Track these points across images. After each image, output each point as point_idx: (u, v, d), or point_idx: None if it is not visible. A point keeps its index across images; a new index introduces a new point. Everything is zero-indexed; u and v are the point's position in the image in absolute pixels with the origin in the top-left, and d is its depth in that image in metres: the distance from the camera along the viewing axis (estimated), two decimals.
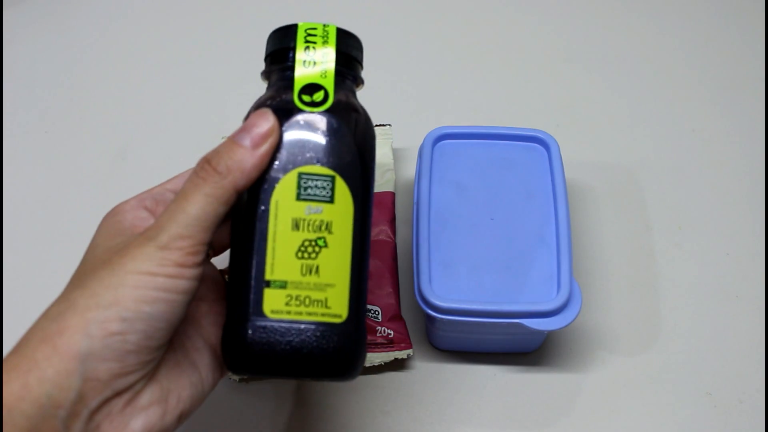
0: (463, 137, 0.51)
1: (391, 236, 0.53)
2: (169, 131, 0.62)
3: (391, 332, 0.48)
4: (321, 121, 0.33)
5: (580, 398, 0.48)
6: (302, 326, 0.32)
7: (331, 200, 0.33)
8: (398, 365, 0.49)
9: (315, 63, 0.34)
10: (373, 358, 0.48)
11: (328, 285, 0.33)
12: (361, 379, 0.49)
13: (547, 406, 0.48)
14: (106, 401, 0.30)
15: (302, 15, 0.65)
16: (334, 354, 0.32)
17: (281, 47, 0.35)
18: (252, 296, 0.32)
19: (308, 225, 0.33)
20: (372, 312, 0.49)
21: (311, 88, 0.34)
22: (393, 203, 0.54)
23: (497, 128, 0.51)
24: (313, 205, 0.33)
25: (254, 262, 0.32)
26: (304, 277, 0.32)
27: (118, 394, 0.31)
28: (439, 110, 0.62)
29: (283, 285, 0.32)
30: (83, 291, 0.30)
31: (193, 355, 0.34)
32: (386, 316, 0.49)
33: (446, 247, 0.47)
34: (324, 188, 0.33)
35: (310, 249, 0.33)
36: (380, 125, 0.57)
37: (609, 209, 0.57)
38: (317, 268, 0.33)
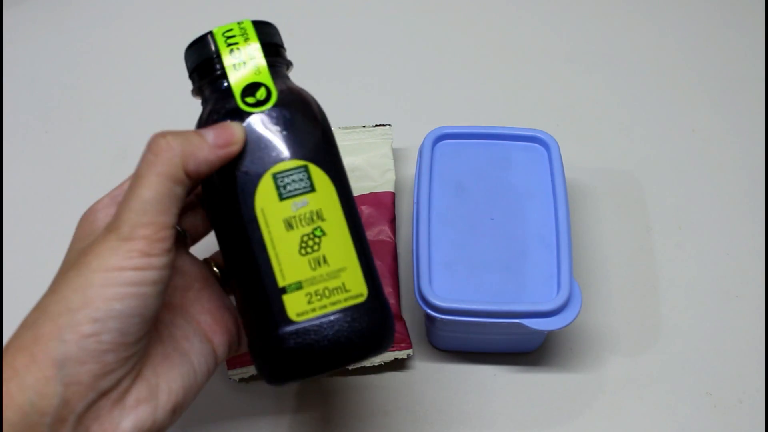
0: (463, 137, 0.51)
1: (391, 236, 0.53)
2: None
3: None
4: (274, 118, 0.33)
5: (580, 398, 0.48)
6: (332, 318, 0.32)
7: (313, 189, 0.33)
8: (398, 365, 0.49)
9: (245, 63, 0.33)
10: (373, 358, 0.48)
11: (340, 270, 0.33)
12: (361, 379, 0.49)
13: (547, 406, 0.48)
14: (93, 403, 0.30)
15: (300, 16, 0.65)
16: (369, 332, 0.33)
17: (204, 58, 0.34)
18: (273, 307, 0.32)
19: (300, 221, 0.32)
20: None
21: (251, 88, 0.33)
22: (393, 203, 0.54)
23: (497, 128, 0.51)
24: (298, 199, 0.32)
25: (262, 274, 0.32)
26: (315, 271, 0.32)
27: (103, 394, 0.30)
28: (439, 110, 0.62)
29: (299, 286, 0.32)
30: (53, 296, 0.30)
31: (183, 345, 0.34)
32: None
33: (446, 247, 0.47)
34: (302, 180, 0.33)
35: (310, 242, 0.32)
36: (380, 125, 0.57)
37: (609, 209, 0.57)
38: (324, 257, 0.32)
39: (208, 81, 0.34)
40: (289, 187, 0.32)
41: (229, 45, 0.33)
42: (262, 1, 0.69)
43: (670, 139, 0.61)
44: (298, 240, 0.32)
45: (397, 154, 0.58)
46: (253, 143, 0.33)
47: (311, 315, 0.32)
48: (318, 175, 0.33)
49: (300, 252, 0.32)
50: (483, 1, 0.70)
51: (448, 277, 0.45)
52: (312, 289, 0.32)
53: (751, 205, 0.57)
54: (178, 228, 0.36)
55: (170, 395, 0.32)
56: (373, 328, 0.33)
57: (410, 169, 0.58)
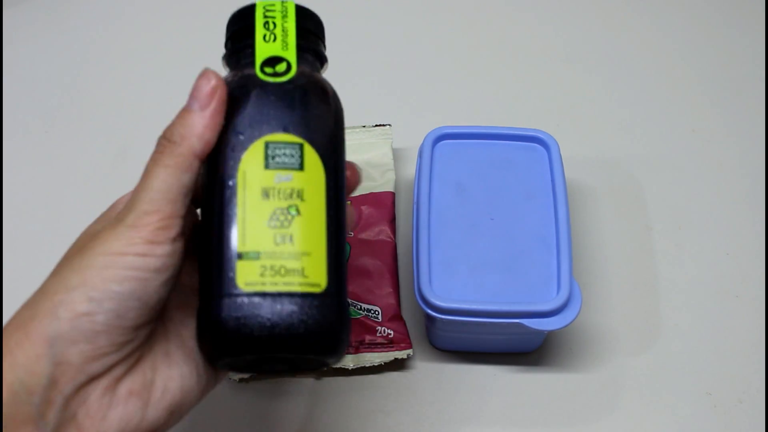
0: (463, 137, 0.51)
1: (391, 236, 0.53)
2: None
3: (391, 332, 0.48)
4: (285, 90, 0.33)
5: (580, 398, 0.48)
6: (279, 297, 0.31)
7: (301, 167, 0.32)
8: (398, 365, 0.49)
9: (275, 37, 0.33)
10: (373, 358, 0.48)
11: (303, 253, 0.31)
12: (361, 379, 0.49)
13: (547, 406, 0.48)
14: (81, 387, 0.30)
15: None
16: (315, 326, 0.31)
17: (240, 27, 0.34)
18: (225, 271, 0.31)
19: (278, 193, 0.32)
20: (372, 312, 0.49)
21: (273, 60, 0.33)
22: (393, 203, 0.54)
23: (497, 128, 0.51)
24: (282, 173, 0.32)
25: (225, 236, 0.31)
26: (278, 247, 0.31)
27: (93, 379, 0.30)
28: (439, 110, 0.62)
29: (256, 256, 0.31)
30: (54, 277, 0.30)
31: (190, 345, 0.33)
32: (386, 316, 0.49)
33: (446, 247, 0.47)
34: (292, 156, 0.32)
35: (282, 217, 0.31)
36: (380, 125, 0.57)
37: (609, 209, 0.57)
38: (291, 236, 0.31)
39: (237, 48, 0.35)
40: (277, 159, 0.32)
41: (266, 17, 0.34)
42: None
43: (670, 139, 0.61)
44: (270, 211, 0.31)
45: (397, 154, 0.58)
46: (256, 109, 0.32)
47: (259, 288, 0.31)
48: (311, 156, 0.32)
49: (269, 223, 0.31)
50: (483, 1, 0.70)
51: (448, 277, 0.45)
52: (268, 263, 0.31)
53: (751, 205, 0.57)
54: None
55: (165, 394, 0.32)
56: (320, 322, 0.31)
57: (410, 169, 0.58)
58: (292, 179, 0.32)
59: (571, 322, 0.44)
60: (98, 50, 0.67)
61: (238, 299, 0.31)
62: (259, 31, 0.33)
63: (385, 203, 0.54)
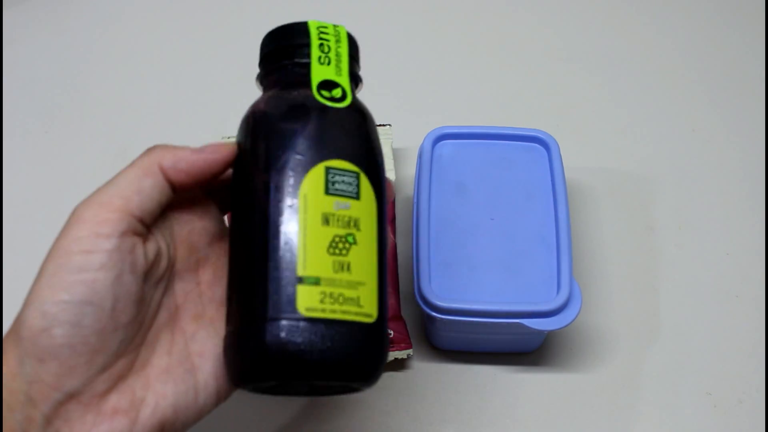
0: (463, 137, 0.51)
1: (391, 236, 0.53)
2: (169, 131, 0.62)
3: (391, 332, 0.48)
4: (345, 117, 0.33)
5: (580, 398, 0.48)
6: (337, 324, 0.30)
7: (358, 197, 0.32)
8: (398, 365, 0.49)
9: (330, 60, 0.33)
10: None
11: (359, 283, 0.31)
12: None
13: (547, 406, 0.48)
14: (61, 405, 0.29)
15: (303, 15, 0.65)
16: (365, 355, 0.31)
17: (290, 44, 0.34)
18: (283, 295, 0.30)
19: (338, 220, 0.31)
20: None
21: (328, 85, 0.33)
22: (393, 203, 0.54)
23: (497, 128, 0.51)
24: (341, 200, 0.32)
25: (282, 259, 0.31)
26: (337, 274, 0.31)
27: (72, 397, 0.29)
28: (439, 110, 0.62)
29: (317, 281, 0.31)
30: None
31: (194, 361, 0.32)
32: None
33: (446, 247, 0.47)
34: (351, 184, 0.32)
35: (341, 245, 0.31)
36: (380, 125, 0.57)
37: (609, 209, 0.57)
38: (348, 265, 0.31)
39: (285, 65, 0.34)
40: (337, 185, 0.32)
41: (320, 39, 0.33)
42: (262, 1, 0.70)
43: (670, 139, 0.61)
44: (330, 238, 0.31)
45: (397, 154, 0.58)
46: (316, 132, 0.32)
47: (319, 314, 0.30)
48: (366, 186, 0.32)
49: (328, 250, 0.31)
50: (483, 1, 0.70)
51: (448, 277, 0.45)
52: (328, 290, 0.31)
53: (751, 205, 0.57)
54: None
55: (155, 411, 0.31)
56: (369, 352, 0.31)
57: (410, 169, 0.58)
58: (350, 208, 0.32)
59: (571, 322, 0.44)
60: (98, 50, 0.67)
61: (296, 323, 0.30)
62: (315, 52, 0.33)
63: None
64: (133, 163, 0.32)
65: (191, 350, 0.33)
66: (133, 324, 0.31)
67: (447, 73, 0.65)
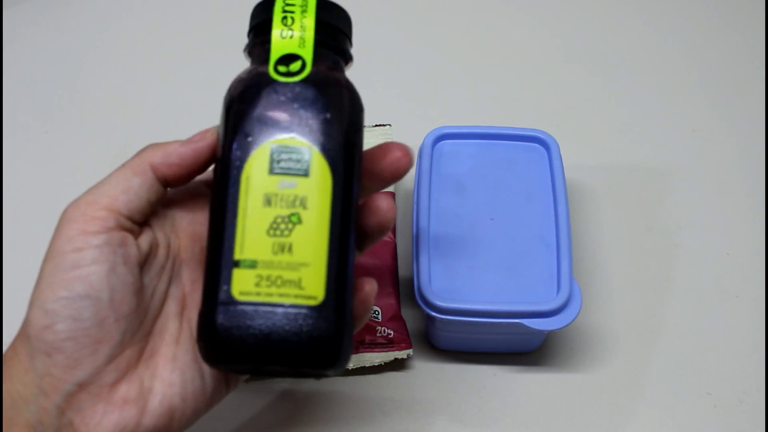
0: (463, 137, 0.51)
1: (391, 236, 0.53)
2: (169, 131, 0.61)
3: (391, 332, 0.48)
4: (295, 91, 0.31)
5: (580, 398, 0.48)
6: (273, 308, 0.30)
7: (306, 174, 0.31)
8: (398, 365, 0.49)
9: (292, 33, 0.32)
10: (373, 358, 0.48)
11: (301, 264, 0.30)
12: (361, 379, 0.49)
13: (547, 406, 0.48)
14: (72, 396, 0.30)
15: None
16: (310, 338, 0.30)
17: (260, 20, 0.33)
18: (221, 278, 0.30)
19: (281, 200, 0.31)
20: (372, 312, 0.49)
21: (288, 58, 0.32)
22: (393, 203, 0.54)
23: (497, 128, 0.51)
24: (287, 179, 0.31)
25: (224, 242, 0.30)
26: (276, 256, 0.30)
27: (82, 387, 0.30)
28: (439, 110, 0.62)
29: (252, 264, 0.30)
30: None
31: None
32: (386, 316, 0.49)
33: (446, 247, 0.47)
34: (298, 161, 0.31)
35: (282, 226, 0.31)
36: (380, 125, 0.57)
37: (609, 209, 0.57)
38: (290, 246, 0.30)
39: (256, 42, 0.34)
40: (282, 164, 0.31)
41: (284, 12, 0.32)
42: None
43: (670, 139, 0.61)
44: (271, 219, 0.31)
45: None
46: (266, 111, 0.31)
47: (254, 298, 0.30)
48: (319, 162, 0.31)
49: (268, 232, 0.30)
50: (483, 1, 0.70)
51: (448, 277, 0.45)
52: (264, 273, 0.30)
53: (751, 205, 0.57)
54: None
55: (163, 400, 0.32)
56: (314, 335, 0.30)
57: (410, 169, 0.58)
58: (296, 186, 0.31)
59: (571, 322, 0.44)
60: (98, 50, 0.67)
61: (231, 308, 0.30)
62: (276, 26, 0.32)
63: None
64: (124, 164, 0.33)
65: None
66: (135, 314, 0.32)
67: (447, 73, 0.65)
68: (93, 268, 0.30)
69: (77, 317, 0.30)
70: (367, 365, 0.48)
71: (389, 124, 0.57)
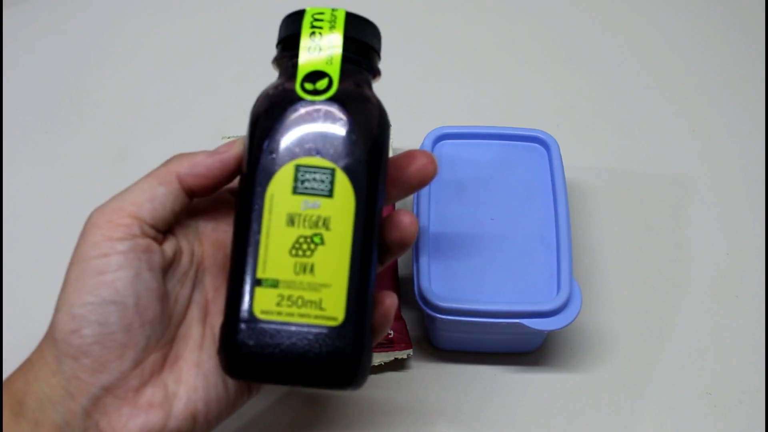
0: (463, 137, 0.51)
1: None
2: (169, 131, 0.62)
3: (391, 332, 0.48)
4: (322, 110, 0.32)
5: (580, 398, 0.48)
6: (293, 328, 0.30)
7: (330, 194, 0.31)
8: (398, 365, 0.49)
9: (321, 49, 0.32)
10: (373, 358, 0.48)
11: (323, 285, 0.31)
12: None
13: (547, 406, 0.48)
14: (99, 399, 0.31)
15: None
16: (328, 359, 0.30)
17: (289, 34, 0.33)
18: (243, 296, 0.31)
19: (304, 220, 0.31)
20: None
21: (315, 75, 0.32)
22: (393, 203, 0.54)
23: (497, 128, 0.51)
24: (310, 199, 0.31)
25: (247, 260, 0.31)
26: (298, 276, 0.31)
27: (108, 391, 0.31)
28: (439, 110, 0.62)
29: (274, 284, 0.31)
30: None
31: None
32: None
33: (446, 247, 0.47)
34: (322, 182, 0.31)
35: (305, 246, 0.31)
36: None
37: (609, 209, 0.57)
38: (312, 266, 0.31)
39: (285, 56, 0.33)
40: (306, 184, 0.31)
41: (313, 27, 0.32)
42: (262, 2, 0.69)
43: (670, 139, 0.61)
44: (294, 239, 0.31)
45: None
46: (290, 130, 0.31)
47: (274, 317, 0.30)
48: (342, 183, 0.31)
49: (290, 251, 0.31)
50: (483, 1, 0.70)
51: (448, 277, 0.45)
52: (286, 293, 0.31)
53: (751, 205, 0.57)
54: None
55: (188, 404, 0.32)
56: (335, 356, 0.30)
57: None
58: (320, 206, 0.31)
59: (571, 322, 0.44)
60: (98, 50, 0.67)
61: (252, 325, 0.30)
62: (304, 42, 0.32)
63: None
64: (150, 172, 0.33)
65: None
66: (160, 320, 0.32)
67: (447, 73, 0.65)
68: (119, 273, 0.31)
69: (103, 322, 0.30)
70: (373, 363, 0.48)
71: (389, 125, 0.57)
